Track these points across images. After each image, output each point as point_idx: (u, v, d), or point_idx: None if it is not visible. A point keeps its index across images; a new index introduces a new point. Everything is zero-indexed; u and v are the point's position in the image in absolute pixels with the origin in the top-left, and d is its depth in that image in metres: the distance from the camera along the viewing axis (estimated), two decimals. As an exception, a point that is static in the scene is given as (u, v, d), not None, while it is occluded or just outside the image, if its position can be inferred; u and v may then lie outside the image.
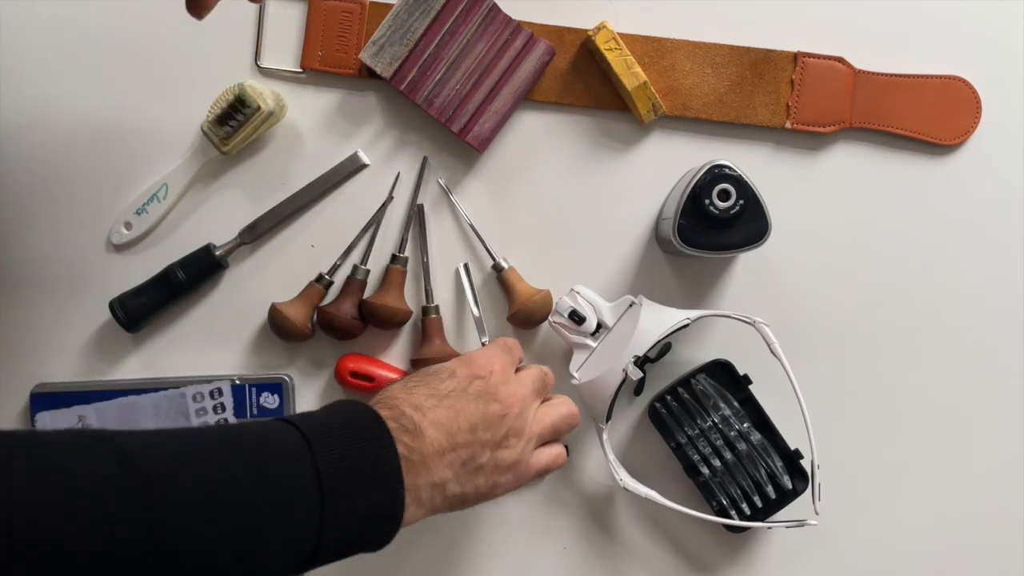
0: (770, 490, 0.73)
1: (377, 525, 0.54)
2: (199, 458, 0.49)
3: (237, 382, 0.75)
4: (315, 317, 0.75)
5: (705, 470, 0.73)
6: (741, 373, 0.74)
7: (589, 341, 0.72)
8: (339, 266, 0.76)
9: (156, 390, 0.74)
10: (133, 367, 0.76)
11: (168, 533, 0.46)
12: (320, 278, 0.75)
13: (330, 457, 0.52)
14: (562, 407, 0.66)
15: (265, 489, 0.50)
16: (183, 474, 0.48)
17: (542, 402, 0.66)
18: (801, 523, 0.69)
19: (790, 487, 0.73)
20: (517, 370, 0.66)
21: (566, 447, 0.76)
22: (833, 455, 0.76)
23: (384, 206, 0.76)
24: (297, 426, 0.53)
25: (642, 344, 0.68)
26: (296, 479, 0.51)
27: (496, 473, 0.60)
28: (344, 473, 0.52)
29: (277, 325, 0.74)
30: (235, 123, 0.73)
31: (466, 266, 0.76)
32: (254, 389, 0.75)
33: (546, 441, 0.65)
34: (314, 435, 0.53)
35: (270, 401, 0.75)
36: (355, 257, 0.76)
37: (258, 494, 0.49)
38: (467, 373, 0.61)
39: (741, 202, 0.68)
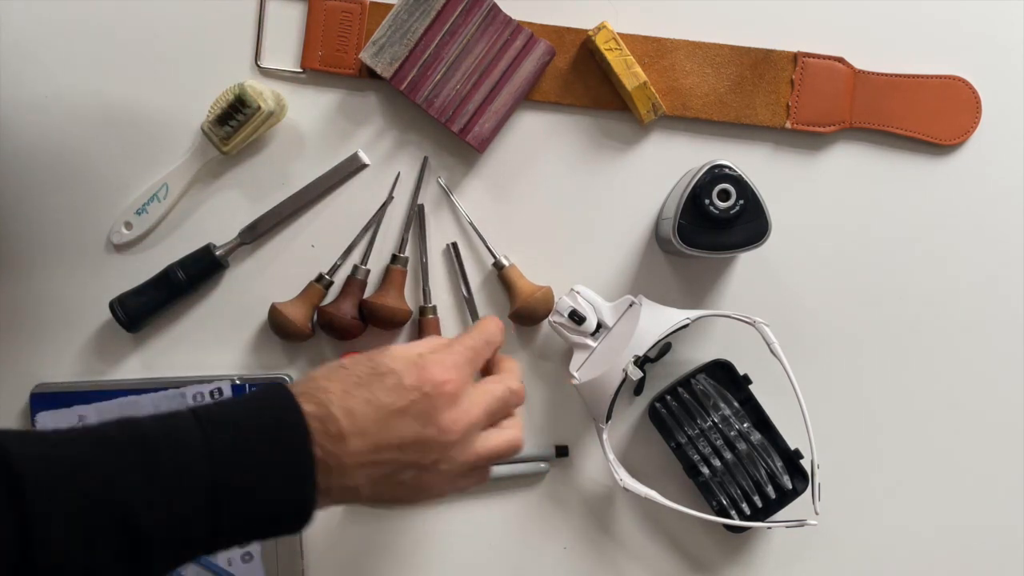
0: (770, 490, 0.73)
1: (281, 525, 0.52)
2: (85, 466, 0.47)
3: (237, 382, 0.75)
4: (315, 317, 0.75)
5: (705, 470, 0.73)
6: (741, 373, 0.74)
7: (589, 341, 0.72)
8: (339, 266, 0.76)
9: (156, 390, 0.74)
10: (133, 367, 0.76)
11: (35, 542, 0.45)
12: (320, 278, 0.75)
13: (234, 467, 0.49)
14: (508, 434, 0.59)
15: (153, 505, 0.47)
16: (61, 483, 0.46)
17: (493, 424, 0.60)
18: (801, 523, 0.69)
19: (790, 487, 0.73)
20: (488, 371, 0.63)
21: (565, 448, 0.77)
22: (833, 455, 0.76)
23: (384, 206, 0.76)
24: (203, 428, 0.50)
25: (642, 344, 0.68)
26: (190, 497, 0.48)
27: (417, 491, 0.56)
28: (249, 476, 0.50)
29: (277, 325, 0.74)
30: (235, 123, 0.73)
31: (455, 244, 0.76)
32: (254, 389, 0.75)
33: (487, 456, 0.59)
34: (218, 438, 0.50)
35: (270, 401, 0.75)
36: (355, 257, 0.76)
37: (145, 511, 0.47)
38: (414, 383, 0.55)
39: (741, 202, 0.68)
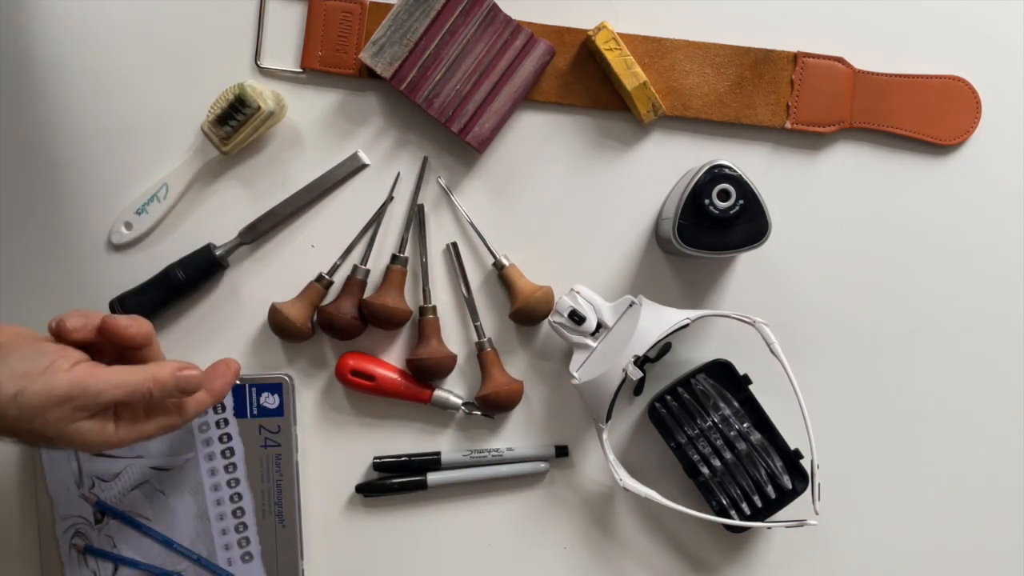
0: (770, 490, 0.73)
1: None
2: None
3: (237, 382, 0.75)
4: (315, 317, 0.75)
5: (705, 470, 0.73)
6: (741, 373, 0.74)
7: (589, 341, 0.72)
8: (339, 266, 0.76)
9: (156, 390, 0.74)
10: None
11: None
12: (320, 278, 0.75)
13: None
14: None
15: None
16: None
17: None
18: (801, 523, 0.69)
19: (790, 487, 0.73)
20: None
21: (565, 448, 0.77)
22: (833, 455, 0.76)
23: (384, 206, 0.76)
24: None
25: (642, 344, 0.68)
26: None
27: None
28: None
29: (277, 325, 0.74)
30: (235, 123, 0.73)
31: (455, 244, 0.76)
32: (254, 389, 0.75)
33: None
34: None
35: (270, 401, 0.75)
36: (355, 257, 0.76)
37: None
38: None
39: (741, 202, 0.68)
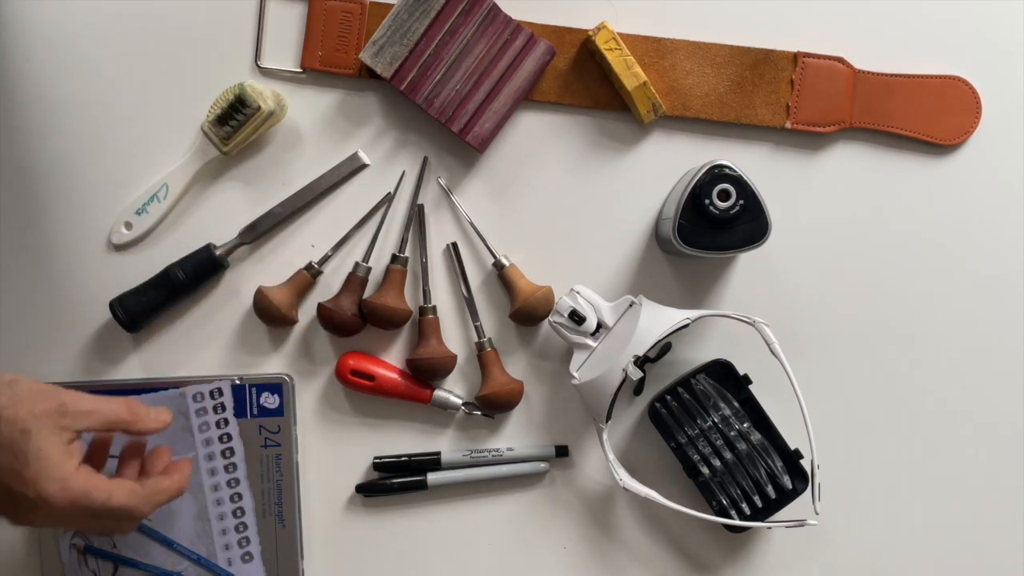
0: (770, 490, 0.73)
1: None
2: None
3: (237, 382, 0.75)
4: (317, 312, 0.75)
5: (705, 470, 0.73)
6: (741, 373, 0.74)
7: (589, 341, 0.72)
8: (330, 256, 0.76)
9: (156, 390, 0.74)
10: (133, 367, 0.76)
11: None
12: (309, 267, 0.75)
13: None
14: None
15: None
16: None
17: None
18: (801, 523, 0.69)
19: (790, 487, 0.73)
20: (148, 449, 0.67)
21: (565, 448, 0.77)
22: (833, 455, 0.76)
23: (387, 201, 0.76)
24: None
25: (642, 344, 0.68)
26: None
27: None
28: None
29: (261, 309, 0.74)
30: (235, 123, 0.73)
31: (455, 244, 0.76)
32: (254, 389, 0.75)
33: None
34: None
35: (270, 401, 0.75)
36: (356, 254, 0.76)
37: None
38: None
39: (741, 202, 0.68)
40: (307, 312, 0.77)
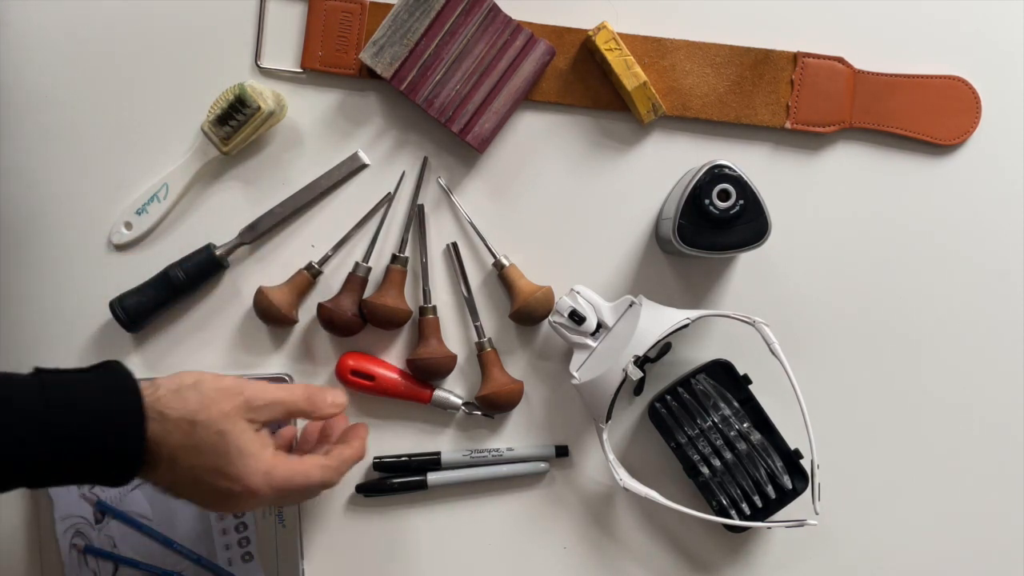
0: (770, 490, 0.73)
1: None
2: None
3: (237, 382, 0.75)
4: (317, 313, 0.75)
5: (705, 470, 0.73)
6: (741, 373, 0.74)
7: (589, 341, 0.72)
8: (330, 256, 0.76)
9: (156, 390, 0.74)
10: (133, 367, 0.75)
11: None
12: (310, 267, 0.75)
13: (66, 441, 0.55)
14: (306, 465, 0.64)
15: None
16: None
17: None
18: (801, 523, 0.69)
19: (790, 487, 0.73)
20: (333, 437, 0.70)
21: (565, 448, 0.77)
22: (833, 455, 0.76)
23: (387, 202, 0.76)
24: (49, 403, 0.56)
25: (642, 344, 0.68)
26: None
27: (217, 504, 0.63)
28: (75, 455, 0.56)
29: (262, 309, 0.74)
30: (235, 123, 0.73)
31: (455, 244, 0.76)
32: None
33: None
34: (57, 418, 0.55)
35: (270, 401, 0.75)
36: (356, 254, 0.76)
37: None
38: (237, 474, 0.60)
39: (741, 202, 0.68)
40: (307, 312, 0.77)
